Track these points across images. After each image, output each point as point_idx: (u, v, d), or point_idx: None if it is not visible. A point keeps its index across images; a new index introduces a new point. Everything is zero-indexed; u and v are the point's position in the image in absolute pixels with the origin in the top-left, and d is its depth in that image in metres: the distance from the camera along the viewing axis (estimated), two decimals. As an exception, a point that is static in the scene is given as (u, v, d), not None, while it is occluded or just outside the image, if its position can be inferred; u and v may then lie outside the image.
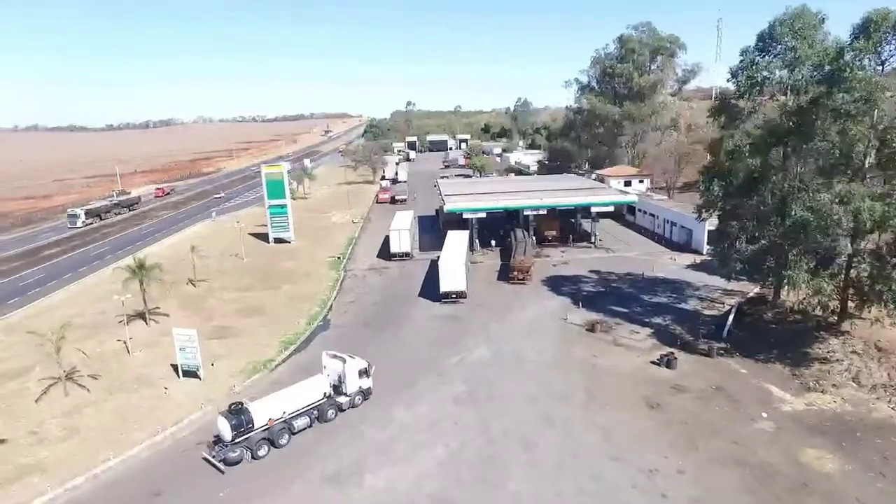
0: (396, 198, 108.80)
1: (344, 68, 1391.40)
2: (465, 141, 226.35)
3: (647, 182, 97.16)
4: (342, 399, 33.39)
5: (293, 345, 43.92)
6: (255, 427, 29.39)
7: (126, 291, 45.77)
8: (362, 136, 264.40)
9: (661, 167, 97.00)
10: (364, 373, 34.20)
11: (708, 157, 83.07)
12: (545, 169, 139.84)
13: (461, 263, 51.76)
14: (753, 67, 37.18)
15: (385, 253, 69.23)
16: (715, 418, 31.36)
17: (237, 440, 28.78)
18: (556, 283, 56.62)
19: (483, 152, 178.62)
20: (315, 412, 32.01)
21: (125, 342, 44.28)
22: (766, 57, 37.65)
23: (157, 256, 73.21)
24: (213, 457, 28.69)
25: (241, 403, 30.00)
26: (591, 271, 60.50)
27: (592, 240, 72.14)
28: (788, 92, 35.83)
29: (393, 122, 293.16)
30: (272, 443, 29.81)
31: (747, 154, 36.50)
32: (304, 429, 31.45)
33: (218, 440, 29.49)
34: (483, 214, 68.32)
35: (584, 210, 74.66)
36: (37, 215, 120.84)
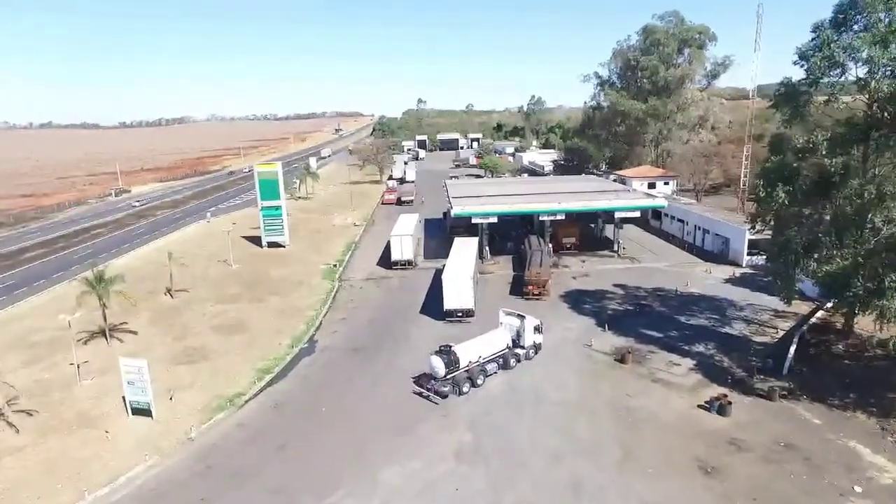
0: (403, 199, 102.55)
1: (356, 67, 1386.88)
2: (477, 140, 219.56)
3: (672, 184, 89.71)
4: (519, 351, 37.42)
5: (269, 374, 37.46)
6: (460, 367, 33.79)
7: (80, 308, 39.75)
8: (371, 134, 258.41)
9: (688, 168, 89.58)
10: (537, 329, 38.06)
11: (744, 157, 76.58)
12: (560, 169, 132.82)
13: (468, 277, 45.06)
14: (830, 46, 30.06)
15: (386, 260, 62.75)
16: (792, 491, 24.34)
17: (447, 377, 33.22)
18: (577, 300, 49.74)
19: (495, 151, 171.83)
20: (501, 360, 36.19)
21: (79, 366, 38.20)
22: (846, 33, 30.54)
23: (142, 260, 67.98)
24: (428, 389, 33.40)
25: (450, 346, 34.55)
26: (616, 285, 53.51)
27: (616, 248, 65.11)
28: (879, 75, 28.67)
29: (404, 120, 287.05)
30: (472, 382, 33.83)
31: (824, 152, 29.39)
32: (494, 373, 35.34)
33: (430, 377, 33.84)
34: (494, 219, 61.53)
35: (607, 215, 67.74)
36: (29, 214, 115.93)
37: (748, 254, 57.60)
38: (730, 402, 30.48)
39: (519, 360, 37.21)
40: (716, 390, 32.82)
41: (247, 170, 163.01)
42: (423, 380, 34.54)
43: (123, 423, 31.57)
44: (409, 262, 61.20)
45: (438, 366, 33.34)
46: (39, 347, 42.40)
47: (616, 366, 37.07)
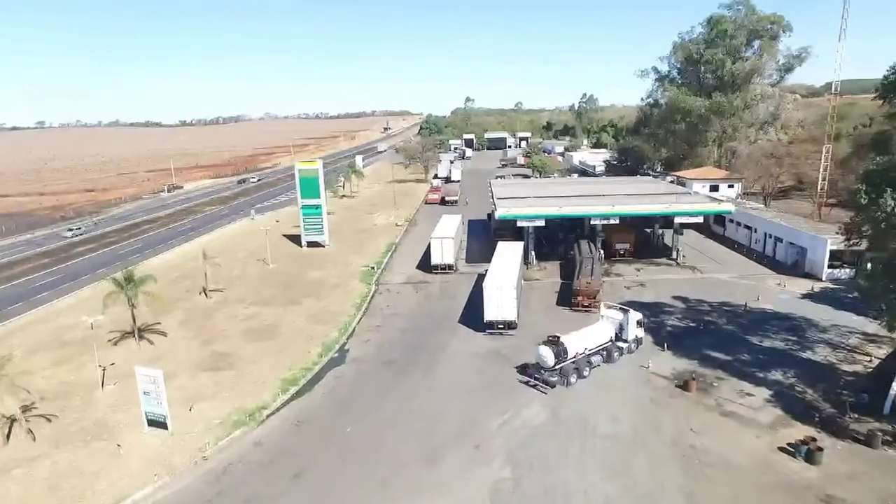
0: (447, 198, 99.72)
1: (406, 66, 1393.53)
2: (526, 139, 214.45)
3: (737, 187, 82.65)
4: (622, 344, 37.22)
5: (295, 386, 35.03)
6: (568, 357, 33.79)
7: (106, 309, 38.77)
8: (418, 132, 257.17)
9: (755, 170, 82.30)
10: (640, 323, 38.15)
11: (822, 158, 68.79)
12: (613, 170, 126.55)
13: (511, 286, 41.37)
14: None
15: (426, 263, 59.76)
16: (908, 573, 19.62)
17: (555, 367, 33.22)
18: (632, 313, 45.10)
19: (544, 151, 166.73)
20: (604, 353, 36.25)
21: (104, 369, 37.08)
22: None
23: (184, 257, 67.91)
24: (536, 379, 33.62)
25: (558, 336, 34.21)
26: (676, 298, 48.51)
27: (674, 256, 59.74)
28: None
29: (451, 119, 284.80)
30: (578, 373, 34.12)
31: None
32: (598, 365, 35.34)
33: (538, 366, 33.73)
34: (541, 222, 57.42)
35: (665, 220, 62.42)
36: (88, 208, 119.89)
37: (829, 266, 51.38)
38: (820, 448, 25.62)
39: (621, 354, 37.03)
40: (800, 430, 28.04)
41: (255, 179, 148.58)
42: (532, 369, 34.39)
43: (138, 436, 29.74)
44: (450, 267, 58.01)
45: (547, 356, 33.13)
46: (71, 347, 41.73)
47: (678, 393, 32.60)
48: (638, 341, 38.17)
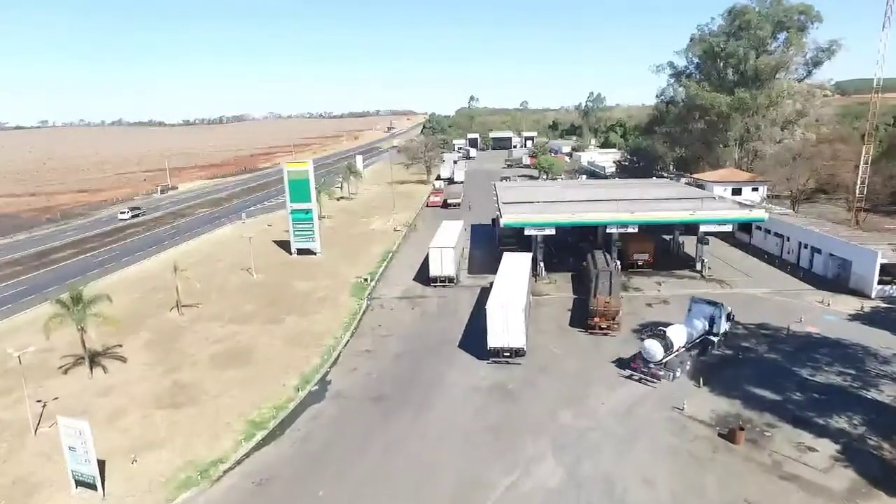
0: (449, 201, 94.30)
1: (410, 66, 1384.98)
2: (531, 138, 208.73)
3: (762, 190, 76.65)
4: (713, 338, 36.93)
5: (263, 430, 29.48)
6: (674, 350, 33.68)
7: (50, 334, 33.45)
8: (421, 132, 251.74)
9: (782, 171, 76.20)
10: (729, 317, 37.94)
11: (862, 160, 62.42)
12: (624, 171, 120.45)
13: (519, 308, 35.72)
14: None
15: (424, 275, 54.23)
16: None
17: (662, 361, 32.96)
18: (658, 337, 39.40)
19: (551, 151, 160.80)
20: (700, 346, 36.26)
21: (44, 405, 31.79)
22: None
23: (163, 265, 62.41)
24: (643, 373, 33.21)
25: (664, 330, 34.28)
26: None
27: (699, 267, 53.94)
28: None
29: (455, 118, 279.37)
30: (683, 366, 33.80)
31: None
32: (695, 358, 35.15)
33: (643, 360, 33.41)
34: (552, 231, 51.72)
35: (685, 226, 56.67)
36: (76, 210, 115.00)
37: (879, 282, 45.50)
38: (922, 538, 19.94)
39: (713, 348, 36.84)
40: (885, 503, 22.28)
41: (139, 210, 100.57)
42: (637, 363, 33.86)
43: (64, 498, 24.32)
44: (451, 279, 52.44)
45: (656, 349, 32.89)
46: (14, 375, 36.21)
47: (722, 445, 26.89)
48: (725, 335, 37.85)
